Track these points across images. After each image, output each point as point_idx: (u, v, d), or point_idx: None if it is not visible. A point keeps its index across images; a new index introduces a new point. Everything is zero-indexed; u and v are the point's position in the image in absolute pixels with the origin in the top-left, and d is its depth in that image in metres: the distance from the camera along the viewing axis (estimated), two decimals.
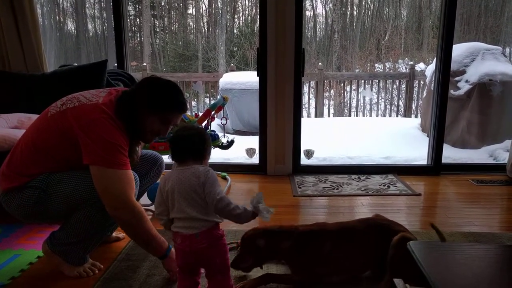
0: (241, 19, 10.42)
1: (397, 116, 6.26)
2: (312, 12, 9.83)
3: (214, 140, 2.54)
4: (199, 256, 1.26)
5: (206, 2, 10.22)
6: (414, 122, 5.20)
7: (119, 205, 1.42)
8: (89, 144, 1.41)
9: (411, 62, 6.70)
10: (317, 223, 1.63)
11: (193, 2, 10.21)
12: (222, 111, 2.75)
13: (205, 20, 10.24)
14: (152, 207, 2.34)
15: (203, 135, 1.34)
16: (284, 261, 1.58)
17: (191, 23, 10.48)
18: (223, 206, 1.23)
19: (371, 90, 6.18)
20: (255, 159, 3.47)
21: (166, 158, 2.02)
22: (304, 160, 3.40)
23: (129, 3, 9.58)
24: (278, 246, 1.51)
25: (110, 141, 1.42)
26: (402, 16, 9.83)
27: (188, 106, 7.12)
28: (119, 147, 1.44)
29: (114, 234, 1.91)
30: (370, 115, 6.28)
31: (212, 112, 2.55)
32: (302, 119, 3.12)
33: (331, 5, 9.56)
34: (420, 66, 7.04)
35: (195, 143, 1.30)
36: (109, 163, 1.41)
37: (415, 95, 6.12)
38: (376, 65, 9.10)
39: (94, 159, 1.41)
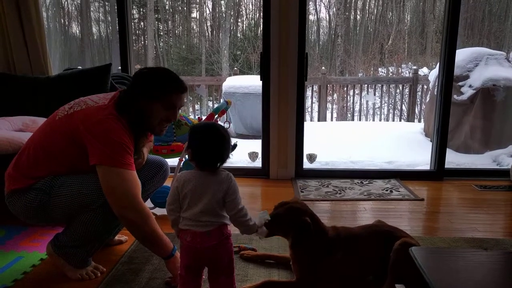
0: (244, 23, 10.45)
1: (400, 120, 6.26)
2: (315, 16, 9.85)
3: None
4: (208, 254, 1.26)
5: (210, 6, 10.27)
6: (417, 126, 5.19)
7: (127, 204, 1.42)
8: (96, 145, 1.41)
9: (415, 67, 6.70)
10: (334, 226, 1.60)
11: (197, 6, 10.27)
12: (225, 115, 2.75)
13: (208, 24, 10.28)
14: (155, 210, 2.36)
15: (228, 138, 1.30)
16: (293, 254, 1.53)
17: (194, 27, 10.53)
18: (241, 216, 1.26)
19: (374, 94, 6.18)
20: (258, 163, 3.48)
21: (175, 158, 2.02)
22: (306, 164, 3.41)
23: (134, 7, 9.64)
24: (306, 239, 1.48)
25: (117, 140, 1.43)
26: (406, 20, 9.82)
27: (191, 110, 7.14)
28: (126, 147, 1.45)
29: (116, 237, 1.91)
30: (373, 120, 6.28)
31: (215, 116, 2.55)
32: (305, 123, 3.12)
33: (334, 9, 9.58)
34: (423, 71, 7.03)
35: (222, 148, 1.28)
36: (116, 163, 1.41)
37: (418, 100, 6.11)
38: (379, 69, 9.10)
39: (101, 159, 1.41)
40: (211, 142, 1.27)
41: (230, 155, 1.32)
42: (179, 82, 1.52)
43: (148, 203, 2.23)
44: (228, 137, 1.30)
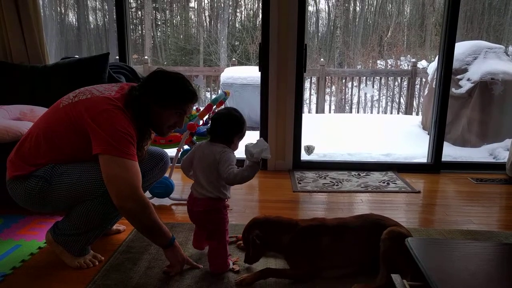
0: (243, 13, 10.37)
1: (398, 113, 6.26)
2: (314, 7, 9.77)
3: None
4: (196, 217, 1.58)
5: None
6: (415, 119, 5.20)
7: (126, 194, 1.42)
8: (100, 134, 1.41)
9: (413, 59, 6.69)
10: (316, 218, 1.66)
11: None
12: (223, 106, 2.74)
13: (207, 14, 10.19)
14: (153, 201, 2.36)
15: (233, 122, 1.57)
16: (283, 255, 1.60)
17: (193, 17, 10.44)
18: (231, 178, 1.47)
19: (373, 87, 6.18)
20: None
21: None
22: (304, 156, 3.41)
23: None
24: (278, 238, 1.53)
25: (121, 130, 1.43)
26: (405, 12, 9.78)
27: None
28: (130, 137, 1.45)
29: (114, 227, 1.92)
30: (371, 112, 6.27)
31: (214, 107, 2.55)
32: (303, 115, 3.12)
33: (334, 0, 9.51)
34: (422, 64, 7.02)
35: (224, 128, 1.55)
36: (119, 152, 1.41)
37: (416, 93, 6.11)
38: (378, 61, 9.07)
39: (105, 148, 1.41)
40: (217, 118, 1.57)
41: (239, 137, 1.61)
42: (193, 92, 1.60)
43: (147, 193, 2.23)
44: (236, 120, 1.57)
